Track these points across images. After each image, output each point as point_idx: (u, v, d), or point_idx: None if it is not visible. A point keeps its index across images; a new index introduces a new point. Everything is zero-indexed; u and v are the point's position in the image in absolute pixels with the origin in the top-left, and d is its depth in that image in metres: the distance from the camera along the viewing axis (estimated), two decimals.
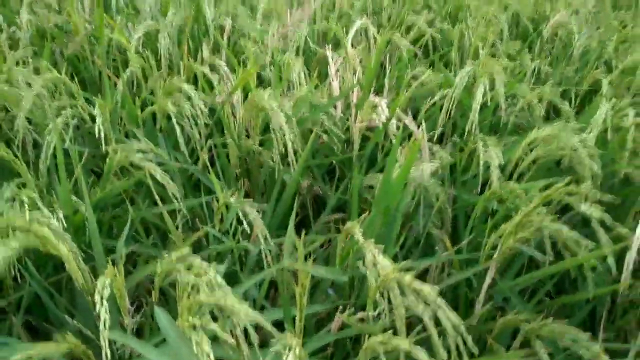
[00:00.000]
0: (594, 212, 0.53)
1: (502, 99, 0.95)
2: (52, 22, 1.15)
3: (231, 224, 0.69)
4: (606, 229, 0.57)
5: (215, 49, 1.23)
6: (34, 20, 1.22)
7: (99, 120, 0.73)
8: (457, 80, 0.90)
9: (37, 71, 0.94)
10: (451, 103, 0.91)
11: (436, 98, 1.04)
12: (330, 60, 1.03)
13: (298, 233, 0.87)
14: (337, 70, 1.04)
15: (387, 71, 1.07)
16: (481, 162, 0.80)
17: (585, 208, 0.53)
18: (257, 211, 0.67)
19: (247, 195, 0.96)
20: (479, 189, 0.85)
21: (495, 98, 0.98)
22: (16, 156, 0.70)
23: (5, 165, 0.84)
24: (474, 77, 0.95)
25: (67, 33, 1.22)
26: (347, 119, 1.00)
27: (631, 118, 0.84)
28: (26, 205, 0.60)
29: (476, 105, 0.84)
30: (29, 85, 0.88)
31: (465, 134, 0.91)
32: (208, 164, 0.89)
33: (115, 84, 1.03)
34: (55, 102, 0.89)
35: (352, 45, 1.11)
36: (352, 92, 0.93)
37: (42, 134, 0.89)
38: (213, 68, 1.07)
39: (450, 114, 0.95)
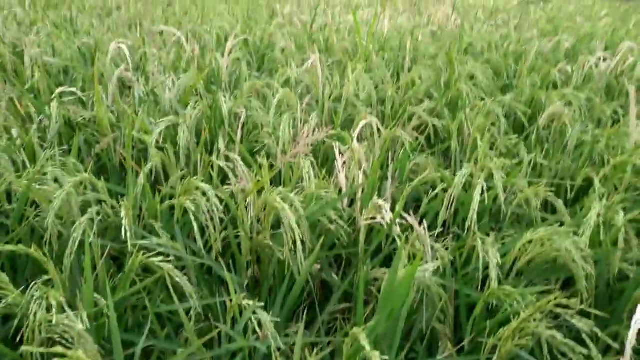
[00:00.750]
0: (584, 326, 0.57)
1: (501, 195, 1.00)
2: (79, 114, 1.24)
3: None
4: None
5: (231, 139, 1.32)
6: (63, 111, 1.32)
7: (125, 222, 0.78)
8: (456, 180, 0.96)
9: (65, 166, 1.02)
10: (451, 201, 0.96)
11: (438, 190, 1.10)
12: (337, 154, 1.10)
13: (305, 323, 0.91)
14: (344, 163, 1.11)
15: (390, 163, 1.14)
16: (481, 261, 0.85)
17: (576, 322, 0.56)
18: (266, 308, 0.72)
19: (256, 282, 1.00)
20: (480, 285, 0.89)
21: (494, 190, 1.04)
22: (44, 254, 0.75)
23: (35, 259, 0.90)
24: (472, 175, 1.01)
25: (93, 124, 1.32)
26: (354, 210, 1.06)
27: (621, 218, 0.89)
28: (54, 309, 0.65)
29: (474, 206, 0.89)
30: (57, 181, 0.96)
31: (466, 229, 0.96)
32: (220, 252, 0.95)
33: (137, 173, 1.10)
34: (81, 197, 0.96)
35: (358, 139, 1.19)
36: (357, 191, 0.99)
37: (65, 225, 0.95)
38: (228, 159, 1.15)
39: (450, 208, 1.00)
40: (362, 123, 1.14)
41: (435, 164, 1.33)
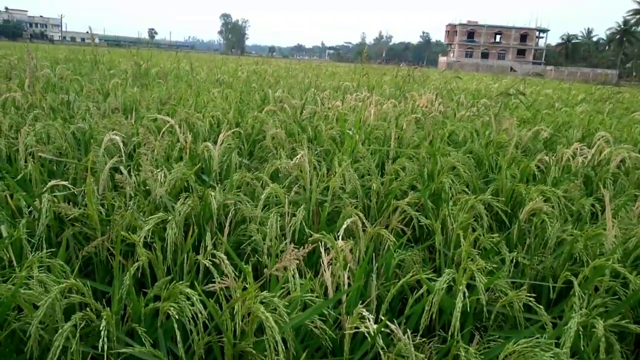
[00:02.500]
0: None
1: (483, 299, 1.02)
2: (69, 212, 1.26)
3: None
4: None
5: (219, 236, 1.33)
6: (53, 206, 1.34)
7: (103, 334, 0.78)
8: (437, 286, 0.98)
9: (51, 267, 1.02)
10: (432, 307, 0.98)
11: (422, 291, 1.12)
12: (322, 253, 1.12)
13: None
14: (329, 263, 1.13)
15: (375, 261, 1.16)
16: None
17: None
18: None
19: None
20: None
21: (476, 292, 1.06)
22: None
23: None
24: (454, 280, 1.03)
25: (84, 217, 1.33)
26: (339, 312, 1.07)
27: (601, 326, 0.90)
28: None
29: (457, 313, 0.91)
30: (43, 285, 0.96)
31: (449, 336, 0.97)
32: (202, 358, 0.94)
33: (124, 267, 1.11)
34: (65, 301, 0.95)
35: (344, 232, 1.21)
36: (343, 297, 1.00)
37: (47, 330, 0.94)
38: (214, 256, 1.16)
39: (432, 313, 1.01)
40: (347, 222, 1.17)
41: (419, 259, 1.35)
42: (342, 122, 2.12)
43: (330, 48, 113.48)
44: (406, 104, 4.13)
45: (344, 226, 1.17)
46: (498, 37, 57.87)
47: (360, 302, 1.07)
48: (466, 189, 1.80)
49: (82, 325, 0.89)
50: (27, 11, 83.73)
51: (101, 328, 0.79)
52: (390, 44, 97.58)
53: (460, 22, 58.23)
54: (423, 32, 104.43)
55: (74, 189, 1.41)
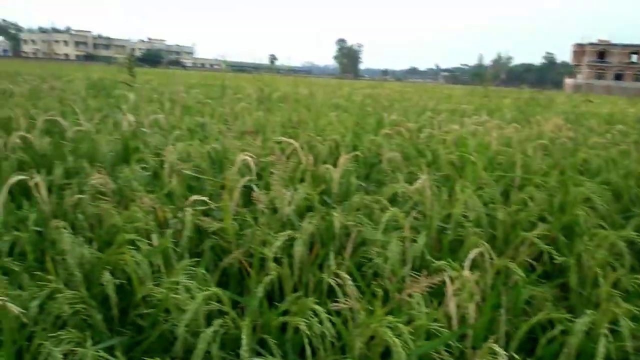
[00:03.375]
0: None
1: (630, 347, 0.93)
2: (209, 225, 1.38)
3: None
4: None
5: (342, 255, 1.37)
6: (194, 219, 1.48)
7: (244, 342, 0.84)
8: (576, 328, 0.91)
9: (195, 275, 1.12)
10: (570, 352, 0.91)
11: (556, 332, 1.05)
12: (447, 283, 1.10)
13: None
14: (454, 293, 1.10)
15: (503, 295, 1.11)
16: None
17: None
18: None
19: None
20: None
21: (620, 338, 0.97)
22: None
23: None
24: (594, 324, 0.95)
25: (220, 231, 1.45)
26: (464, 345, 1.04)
27: None
28: None
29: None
30: (189, 291, 1.06)
31: None
32: None
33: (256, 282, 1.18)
34: (206, 307, 1.04)
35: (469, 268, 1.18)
36: (467, 333, 0.97)
37: (189, 331, 1.03)
38: (338, 275, 1.19)
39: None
40: (473, 252, 1.15)
41: (551, 298, 1.27)
42: (461, 146, 2.07)
43: (444, 70, 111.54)
44: (530, 129, 3.92)
45: (471, 256, 1.14)
46: (634, 56, 52.71)
47: (487, 337, 1.03)
48: (603, 223, 1.66)
49: (222, 332, 0.97)
50: (165, 40, 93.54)
51: (242, 336, 0.85)
52: (510, 65, 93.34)
53: (589, 42, 54.05)
54: (547, 53, 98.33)
55: (212, 204, 1.54)
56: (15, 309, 0.92)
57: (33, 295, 1.06)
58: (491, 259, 1.25)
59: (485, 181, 1.99)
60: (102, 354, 0.82)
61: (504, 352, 0.83)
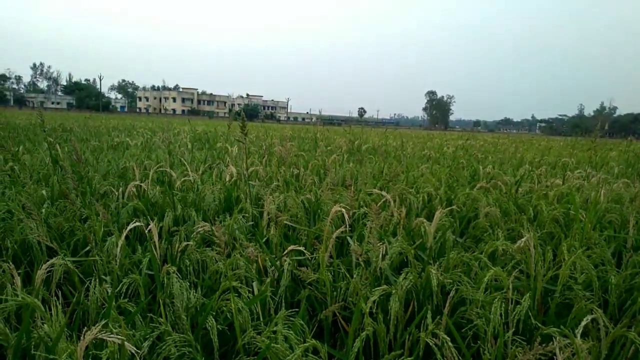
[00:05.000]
0: None
1: None
2: (308, 276, 1.41)
3: None
4: None
5: (438, 313, 1.33)
6: (290, 267, 1.52)
7: None
8: None
9: (291, 327, 1.15)
10: None
11: None
12: (557, 351, 1.03)
13: None
14: None
15: None
16: None
17: None
18: None
19: None
20: None
21: None
22: None
23: None
24: None
25: (315, 282, 1.48)
26: None
27: None
28: None
29: None
30: (288, 341, 1.08)
31: None
32: None
33: (346, 331, 1.18)
34: (304, 359, 1.06)
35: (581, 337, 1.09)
36: None
37: None
38: (435, 335, 1.16)
39: None
40: (586, 319, 1.06)
41: None
42: (566, 202, 1.96)
43: (541, 121, 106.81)
44: None
45: (584, 322, 1.06)
46: None
47: None
48: None
49: None
50: (262, 96, 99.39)
51: None
52: (615, 115, 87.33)
53: None
54: None
55: (308, 253, 1.58)
56: (131, 348, 0.99)
57: (145, 335, 1.14)
58: (605, 326, 1.15)
59: (595, 241, 1.85)
60: None
61: None
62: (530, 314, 1.32)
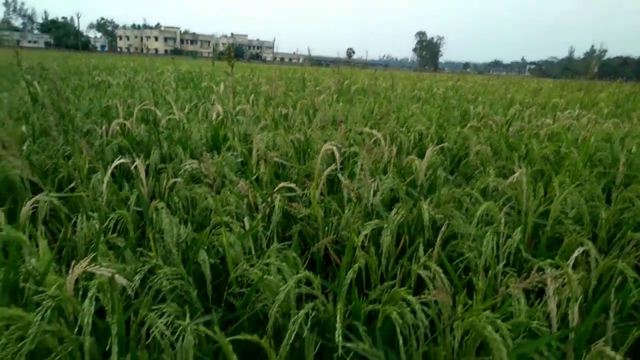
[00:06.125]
0: None
1: None
2: (300, 211, 1.40)
3: None
4: None
5: (430, 246, 1.34)
6: (282, 203, 1.50)
7: (339, 327, 0.84)
8: None
9: (285, 259, 1.14)
10: None
11: None
12: (549, 281, 1.03)
13: None
14: (554, 292, 1.04)
15: (612, 301, 1.03)
16: None
17: None
18: None
19: None
20: None
21: None
22: (270, 345, 0.84)
23: (251, 344, 1.01)
24: None
25: (307, 217, 1.46)
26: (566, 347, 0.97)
27: None
28: None
29: None
30: (280, 272, 1.07)
31: None
32: None
33: (338, 264, 1.18)
34: (297, 290, 1.06)
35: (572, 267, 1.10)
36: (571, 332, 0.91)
37: (279, 313, 1.05)
38: (427, 267, 1.16)
39: None
40: (577, 250, 1.07)
41: None
42: (562, 139, 1.94)
43: (531, 63, 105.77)
44: (632, 125, 3.61)
45: (576, 254, 1.07)
46: None
47: (591, 340, 0.96)
48: None
49: (312, 315, 0.97)
50: (247, 35, 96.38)
51: (337, 321, 0.85)
52: (604, 58, 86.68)
53: None
54: None
55: (299, 190, 1.56)
56: (122, 281, 0.98)
57: (136, 269, 1.13)
58: (595, 258, 1.16)
59: (585, 178, 1.86)
60: (201, 328, 0.85)
61: (618, 356, 0.76)
62: (521, 247, 1.33)
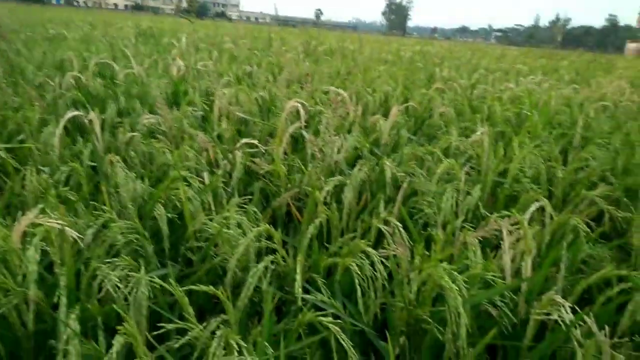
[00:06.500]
0: None
1: None
2: (261, 166, 1.37)
3: None
4: None
5: (391, 203, 1.34)
6: (245, 160, 1.47)
7: (298, 279, 0.84)
8: None
9: (246, 213, 1.12)
10: (636, 309, 0.86)
11: (615, 291, 1.00)
12: (504, 235, 1.05)
13: None
14: (510, 246, 1.06)
15: (563, 255, 1.06)
16: None
17: None
18: None
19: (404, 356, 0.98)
20: None
21: None
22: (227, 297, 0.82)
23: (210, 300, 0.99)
24: None
25: (269, 174, 1.44)
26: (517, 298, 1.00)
27: None
28: (234, 351, 0.70)
29: None
30: (240, 227, 1.06)
31: None
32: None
33: (299, 220, 1.17)
34: (257, 244, 1.04)
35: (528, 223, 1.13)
36: (523, 283, 0.93)
37: (239, 267, 1.04)
38: (387, 223, 1.17)
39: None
40: (534, 206, 1.09)
41: (610, 259, 1.20)
42: (518, 104, 1.97)
43: (497, 30, 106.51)
44: (591, 91, 3.70)
45: (532, 208, 1.09)
46: None
47: (542, 292, 0.99)
48: None
49: (272, 268, 0.96)
50: None
51: (297, 274, 0.85)
52: (568, 27, 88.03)
53: None
54: (609, 15, 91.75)
55: (261, 147, 1.53)
56: (72, 233, 0.94)
57: (88, 223, 1.09)
58: (550, 214, 1.19)
59: (544, 139, 1.89)
60: (156, 280, 0.83)
61: (568, 304, 0.78)
62: (480, 204, 1.35)
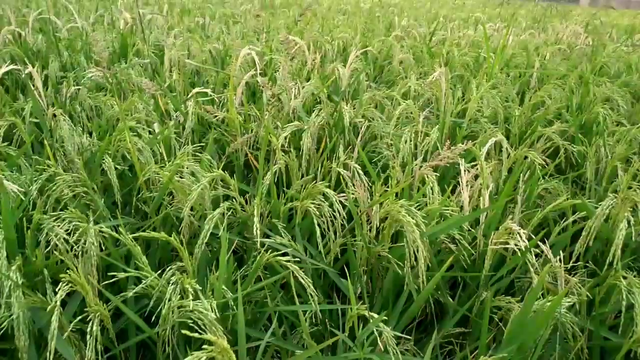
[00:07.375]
0: None
1: None
2: (213, 114, 1.32)
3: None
4: None
5: (350, 148, 1.32)
6: (197, 110, 1.41)
7: (256, 220, 0.81)
8: (598, 211, 0.88)
9: (200, 161, 1.08)
10: (590, 234, 0.88)
11: (570, 220, 1.02)
12: (462, 171, 1.06)
13: (419, 340, 0.88)
14: (468, 183, 1.06)
15: (520, 186, 1.07)
16: (624, 302, 0.76)
17: None
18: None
19: (368, 294, 0.99)
20: (620, 330, 0.81)
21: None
22: (181, 243, 0.80)
23: (166, 246, 0.96)
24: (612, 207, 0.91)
25: (224, 124, 1.39)
26: (476, 231, 1.01)
27: None
28: (190, 295, 0.68)
29: (618, 241, 0.81)
30: (194, 175, 1.02)
31: (606, 265, 0.88)
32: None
33: (257, 169, 1.14)
34: (213, 192, 1.01)
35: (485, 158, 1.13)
36: (483, 214, 0.94)
37: (196, 216, 1.01)
38: (346, 167, 1.15)
39: (588, 241, 0.92)
40: (491, 141, 1.09)
41: (566, 191, 1.23)
42: (476, 49, 1.96)
43: None
44: (547, 36, 3.73)
45: (488, 144, 1.09)
46: None
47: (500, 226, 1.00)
48: (623, 121, 1.59)
49: (228, 215, 0.94)
50: None
51: (255, 219, 0.82)
52: None
53: None
54: None
55: (215, 96, 1.47)
56: (12, 187, 0.88)
57: (32, 179, 1.03)
58: (507, 149, 1.19)
59: (502, 81, 1.90)
60: (105, 229, 0.79)
61: (523, 231, 0.79)
62: (438, 145, 1.35)
